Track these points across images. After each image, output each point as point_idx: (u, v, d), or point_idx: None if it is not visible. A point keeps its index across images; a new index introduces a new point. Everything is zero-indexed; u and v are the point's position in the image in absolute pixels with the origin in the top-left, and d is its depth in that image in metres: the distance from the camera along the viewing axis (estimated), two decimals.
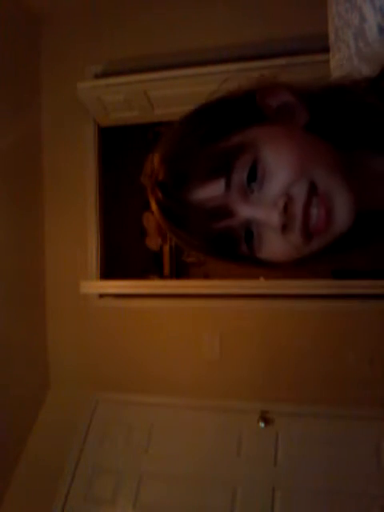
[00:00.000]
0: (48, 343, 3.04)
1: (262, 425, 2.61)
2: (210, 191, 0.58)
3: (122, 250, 3.40)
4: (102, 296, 2.99)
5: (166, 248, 3.96)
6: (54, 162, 2.99)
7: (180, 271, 4.01)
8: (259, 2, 2.69)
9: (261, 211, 0.56)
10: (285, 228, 0.56)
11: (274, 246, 0.59)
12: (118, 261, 3.19)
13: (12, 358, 2.71)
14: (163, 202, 0.62)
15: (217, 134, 0.58)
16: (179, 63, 2.71)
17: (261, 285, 2.96)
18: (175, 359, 2.86)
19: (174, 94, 2.77)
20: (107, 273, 3.03)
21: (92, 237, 2.96)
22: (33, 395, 2.93)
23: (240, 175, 0.56)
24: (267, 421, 2.62)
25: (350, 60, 0.65)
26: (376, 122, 0.60)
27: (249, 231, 0.59)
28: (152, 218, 3.70)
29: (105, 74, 2.86)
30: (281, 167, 0.55)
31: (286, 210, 0.55)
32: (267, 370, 2.74)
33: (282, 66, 2.55)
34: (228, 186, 0.57)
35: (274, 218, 0.55)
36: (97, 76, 2.88)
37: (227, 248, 0.62)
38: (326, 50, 0.80)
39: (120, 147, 3.47)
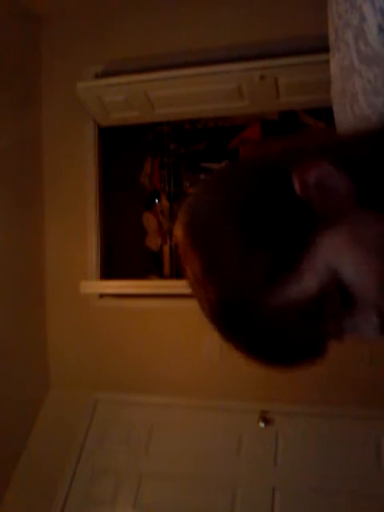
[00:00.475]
0: (48, 343, 3.04)
1: (262, 425, 2.61)
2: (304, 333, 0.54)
3: (122, 250, 3.39)
4: (102, 296, 2.99)
5: (166, 248, 3.96)
6: (53, 162, 2.99)
7: (180, 271, 4.00)
8: (259, 2, 2.69)
9: (357, 327, 0.53)
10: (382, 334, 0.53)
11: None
12: (118, 261, 3.19)
13: (12, 358, 2.71)
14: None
15: (282, 268, 0.50)
16: (179, 63, 2.71)
17: None
18: (175, 359, 2.86)
19: (174, 94, 2.77)
20: (107, 273, 3.03)
21: (92, 237, 2.96)
22: (33, 395, 2.93)
23: (334, 308, 0.51)
24: (267, 421, 2.62)
25: (351, 61, 0.65)
26: None
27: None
28: (152, 218, 3.70)
29: (105, 74, 2.86)
30: (369, 284, 0.50)
31: (381, 327, 0.52)
32: (267, 370, 2.73)
33: (281, 66, 2.56)
34: (323, 326, 0.53)
35: (370, 332, 0.53)
36: (97, 76, 2.88)
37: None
38: (326, 50, 0.79)
39: (120, 147, 3.47)
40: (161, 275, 3.89)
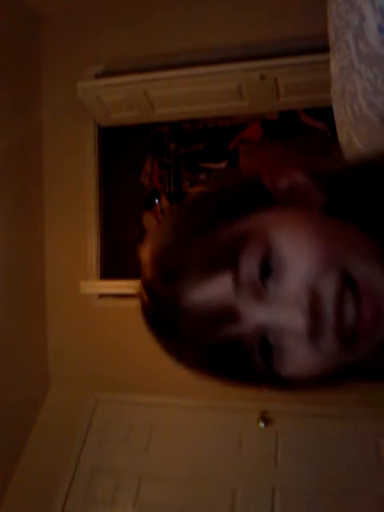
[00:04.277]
0: (48, 343, 3.04)
1: (262, 425, 2.61)
2: (212, 290, 0.46)
3: (122, 250, 3.40)
4: (102, 296, 2.99)
5: None
6: (54, 162, 2.99)
7: None
8: (259, 2, 2.69)
9: (280, 313, 0.44)
10: (313, 334, 0.43)
11: (299, 358, 0.46)
12: (118, 261, 3.19)
13: (12, 358, 2.71)
14: (148, 306, 0.52)
15: (216, 221, 0.48)
16: (179, 63, 2.71)
17: None
18: None
19: (174, 94, 2.77)
20: (107, 273, 3.03)
21: (92, 237, 2.96)
22: (33, 395, 2.93)
23: (250, 269, 0.45)
24: (267, 421, 2.62)
25: (351, 61, 0.65)
26: None
27: (265, 341, 0.46)
28: (152, 218, 3.70)
29: (105, 74, 2.86)
30: (301, 256, 0.44)
31: (313, 310, 0.43)
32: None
33: (281, 66, 2.56)
34: (236, 282, 0.45)
35: (297, 320, 0.43)
36: (97, 76, 2.88)
37: (234, 363, 0.49)
38: (326, 49, 0.79)
39: (120, 147, 3.47)
40: None
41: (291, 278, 0.44)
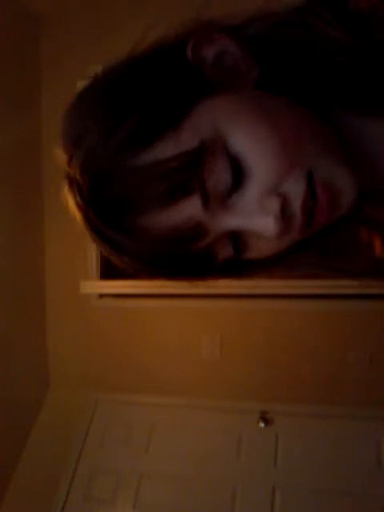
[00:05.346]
0: (48, 343, 3.04)
1: (262, 425, 2.61)
2: (178, 216, 0.43)
3: None
4: (102, 296, 2.99)
5: None
6: (53, 162, 2.99)
7: None
8: (259, 3, 2.68)
9: (251, 220, 0.44)
10: (282, 234, 0.44)
11: (264, 248, 0.47)
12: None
13: (12, 358, 2.71)
14: (99, 228, 0.48)
15: (157, 134, 0.42)
16: None
17: (261, 285, 2.96)
18: (175, 359, 2.86)
19: None
20: (107, 273, 3.03)
21: None
22: (33, 395, 2.93)
23: (216, 185, 0.43)
24: (267, 421, 2.62)
25: None
26: (343, 65, 0.46)
27: (234, 237, 0.47)
28: None
29: None
30: (265, 162, 0.42)
31: (284, 215, 0.44)
32: (267, 370, 2.74)
33: None
34: (203, 202, 0.43)
35: (270, 226, 0.43)
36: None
37: (196, 265, 0.48)
38: None
39: None
40: None
41: (256, 184, 0.43)
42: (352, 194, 0.46)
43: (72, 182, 0.48)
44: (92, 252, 2.96)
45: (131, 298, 2.95)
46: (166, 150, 0.42)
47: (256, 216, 0.44)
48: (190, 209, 0.43)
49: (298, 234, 0.46)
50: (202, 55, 0.47)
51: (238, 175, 0.43)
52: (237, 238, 0.47)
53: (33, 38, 2.98)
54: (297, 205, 0.44)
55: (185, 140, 0.42)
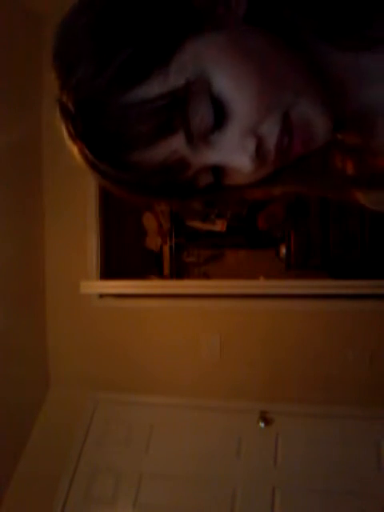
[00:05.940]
0: (48, 343, 3.04)
1: (262, 425, 2.60)
2: (164, 150, 0.47)
3: (122, 249, 3.40)
4: (102, 296, 2.99)
5: (166, 248, 3.96)
6: (53, 162, 2.99)
7: (180, 271, 4.00)
8: None
9: (228, 156, 0.48)
10: (257, 169, 0.49)
11: (242, 178, 0.51)
12: (117, 261, 3.19)
13: (12, 358, 2.71)
14: (92, 160, 0.50)
15: (147, 70, 0.44)
16: None
17: (261, 285, 2.96)
18: (175, 359, 2.86)
19: None
20: (107, 273, 3.03)
21: (92, 237, 2.96)
22: (33, 395, 2.93)
23: (199, 124, 0.46)
24: (267, 421, 2.62)
25: None
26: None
27: (214, 167, 0.51)
28: (152, 218, 3.70)
29: None
30: (243, 100, 0.45)
31: (258, 153, 0.47)
32: (267, 369, 2.74)
33: None
34: (187, 139, 0.46)
35: (246, 163, 0.47)
36: None
37: (179, 191, 0.53)
38: None
39: None
40: (161, 275, 3.89)
41: (236, 125, 0.47)
42: (327, 131, 0.49)
43: (64, 110, 0.49)
44: (92, 252, 2.96)
45: (131, 297, 2.95)
46: (154, 88, 0.44)
47: (234, 154, 0.48)
48: (174, 145, 0.47)
49: (272, 168, 0.50)
50: None
51: (220, 115, 0.46)
52: (217, 168, 0.50)
53: (34, 38, 2.98)
54: (271, 144, 0.48)
55: (172, 79, 0.45)
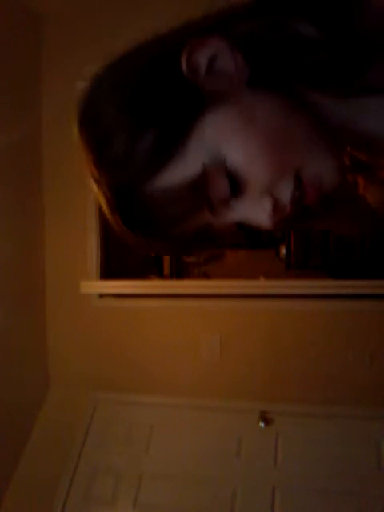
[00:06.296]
0: (48, 343, 3.04)
1: (262, 425, 2.60)
2: (192, 222, 0.53)
3: (122, 250, 3.40)
4: (102, 296, 2.99)
5: None
6: (53, 162, 2.99)
7: (180, 271, 4.01)
8: None
9: (249, 215, 0.53)
10: (274, 224, 0.54)
11: (265, 228, 0.57)
12: (118, 261, 3.19)
13: (12, 358, 2.71)
14: (128, 230, 0.56)
15: (166, 149, 0.49)
16: None
17: (261, 285, 2.96)
18: (175, 359, 2.86)
19: None
20: (107, 273, 3.03)
21: (92, 237, 2.96)
22: (33, 395, 2.93)
23: (219, 197, 0.51)
24: (267, 421, 2.62)
25: None
26: (310, 51, 0.51)
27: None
28: None
29: None
30: (256, 171, 0.50)
31: (275, 211, 0.53)
32: (267, 369, 2.74)
33: None
34: (212, 210, 0.52)
35: (264, 221, 0.53)
36: None
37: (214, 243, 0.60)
38: None
39: None
40: (161, 275, 3.89)
41: (252, 190, 0.51)
42: (336, 179, 0.54)
43: (99, 184, 0.53)
44: (92, 252, 2.96)
45: (131, 297, 2.95)
46: (176, 173, 0.49)
47: (253, 213, 0.53)
48: (200, 217, 0.53)
49: (289, 215, 0.55)
50: (196, 62, 0.50)
51: (237, 185, 0.51)
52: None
53: (34, 37, 2.98)
54: (286, 200, 0.53)
55: (190, 164, 0.49)
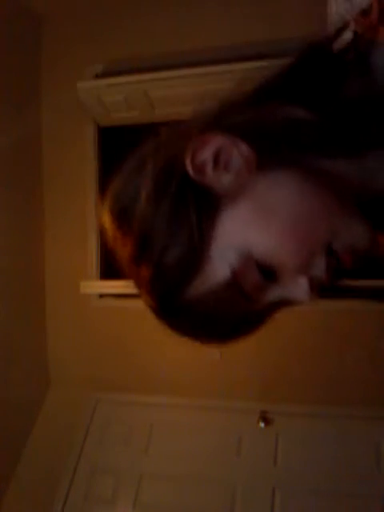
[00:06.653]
0: (48, 343, 3.04)
1: (262, 425, 2.61)
2: (232, 315, 0.55)
3: None
4: (102, 296, 2.99)
5: None
6: (53, 162, 2.99)
7: None
8: (259, 2, 2.69)
9: (286, 294, 0.53)
10: (312, 297, 0.54)
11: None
12: (118, 261, 3.18)
13: (12, 358, 2.71)
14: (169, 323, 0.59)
15: (194, 259, 0.49)
16: (179, 63, 2.70)
17: None
18: (175, 359, 2.85)
19: (174, 94, 2.76)
20: (107, 273, 3.03)
21: (92, 237, 2.96)
22: (33, 395, 2.93)
23: (252, 287, 0.51)
24: (267, 421, 2.62)
25: None
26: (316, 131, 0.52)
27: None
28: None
29: (105, 74, 2.86)
30: (285, 257, 0.49)
31: (312, 286, 0.52)
32: (267, 370, 2.74)
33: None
34: (248, 299, 0.52)
35: (303, 298, 0.52)
36: (97, 76, 2.88)
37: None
38: None
39: (120, 147, 3.47)
40: None
41: (286, 274, 0.51)
42: (368, 240, 0.53)
43: (140, 281, 0.55)
44: (92, 252, 2.96)
45: (131, 298, 2.92)
46: (206, 280, 0.50)
47: (290, 292, 0.52)
48: (238, 308, 0.53)
49: (326, 283, 0.54)
50: (201, 161, 0.49)
51: (270, 273, 0.50)
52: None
53: (33, 38, 2.98)
54: (322, 273, 0.52)
55: (218, 268, 0.49)
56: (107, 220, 0.56)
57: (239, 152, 0.49)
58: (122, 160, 0.62)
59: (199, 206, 0.49)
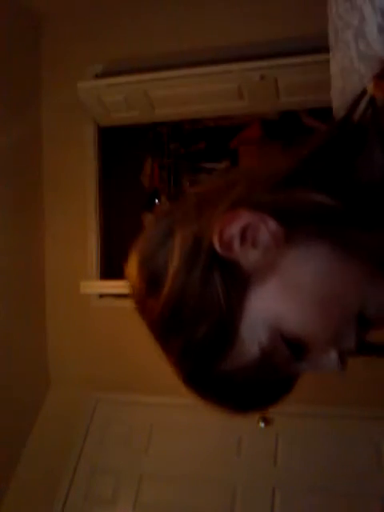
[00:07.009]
0: (48, 343, 3.04)
1: (262, 425, 2.61)
2: (264, 391, 0.56)
3: (122, 250, 3.39)
4: (102, 296, 2.99)
5: None
6: (53, 162, 2.99)
7: None
8: (259, 2, 2.69)
9: (317, 368, 0.53)
10: (345, 364, 0.55)
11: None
12: (118, 261, 3.18)
13: (12, 358, 2.71)
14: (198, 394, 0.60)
15: (224, 337, 0.50)
16: (179, 63, 2.71)
17: None
18: None
19: (174, 94, 2.77)
20: (107, 273, 3.03)
21: (92, 237, 2.96)
22: (33, 395, 2.93)
23: (284, 363, 0.51)
24: (267, 421, 2.62)
25: (351, 61, 0.65)
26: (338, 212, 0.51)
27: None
28: (152, 218, 3.70)
29: (105, 74, 2.86)
30: (315, 331, 0.49)
31: (342, 358, 0.52)
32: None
33: (281, 66, 2.56)
34: (280, 375, 0.53)
35: (334, 369, 0.53)
36: (97, 76, 2.88)
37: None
38: (326, 49, 0.79)
39: (120, 147, 3.47)
40: None
41: (316, 348, 0.51)
42: None
43: (168, 351, 0.58)
44: (92, 252, 2.96)
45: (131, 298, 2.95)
46: (236, 358, 0.50)
47: (320, 366, 0.53)
48: (266, 383, 0.54)
49: (355, 351, 0.54)
50: (229, 237, 0.49)
51: (299, 348, 0.50)
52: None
53: (33, 38, 2.98)
54: (351, 343, 0.51)
55: (248, 349, 0.50)
56: (135, 279, 0.59)
57: (267, 228, 0.48)
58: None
59: (227, 284, 0.49)
